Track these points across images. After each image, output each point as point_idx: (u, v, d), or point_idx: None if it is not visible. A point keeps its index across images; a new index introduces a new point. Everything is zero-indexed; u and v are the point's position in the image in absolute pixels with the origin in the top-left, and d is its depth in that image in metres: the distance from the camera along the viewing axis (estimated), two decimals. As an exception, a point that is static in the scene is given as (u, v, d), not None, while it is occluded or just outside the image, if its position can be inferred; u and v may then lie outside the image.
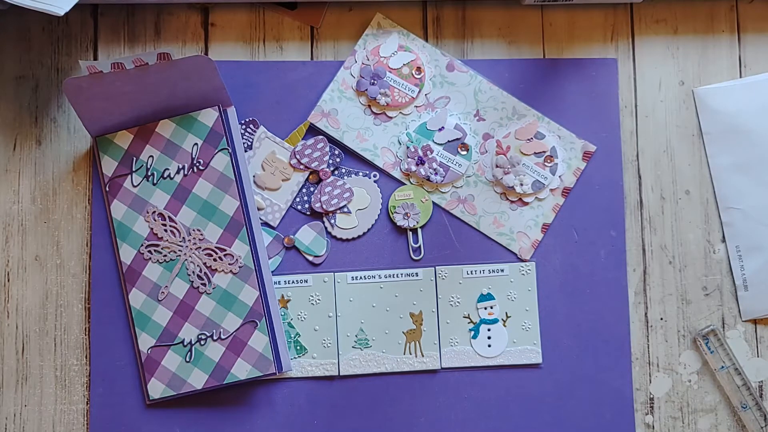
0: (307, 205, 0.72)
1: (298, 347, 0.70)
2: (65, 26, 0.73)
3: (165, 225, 0.69)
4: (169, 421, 0.69)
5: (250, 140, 0.71)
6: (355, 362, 0.70)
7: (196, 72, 0.67)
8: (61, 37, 0.73)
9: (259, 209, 0.71)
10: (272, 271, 0.71)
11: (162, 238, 0.69)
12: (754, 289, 0.72)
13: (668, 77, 0.74)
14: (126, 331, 0.70)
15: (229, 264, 0.69)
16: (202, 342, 0.69)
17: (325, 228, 0.71)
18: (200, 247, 0.69)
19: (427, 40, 0.73)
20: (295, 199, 0.72)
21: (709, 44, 0.74)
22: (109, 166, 0.70)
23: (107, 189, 0.70)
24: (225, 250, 0.69)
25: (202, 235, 0.69)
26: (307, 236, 0.71)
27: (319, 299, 0.71)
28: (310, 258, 0.71)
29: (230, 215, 0.69)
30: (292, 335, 0.70)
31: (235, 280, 0.69)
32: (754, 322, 0.72)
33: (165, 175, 0.70)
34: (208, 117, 0.69)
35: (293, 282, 0.71)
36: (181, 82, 0.68)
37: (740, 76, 0.74)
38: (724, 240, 0.73)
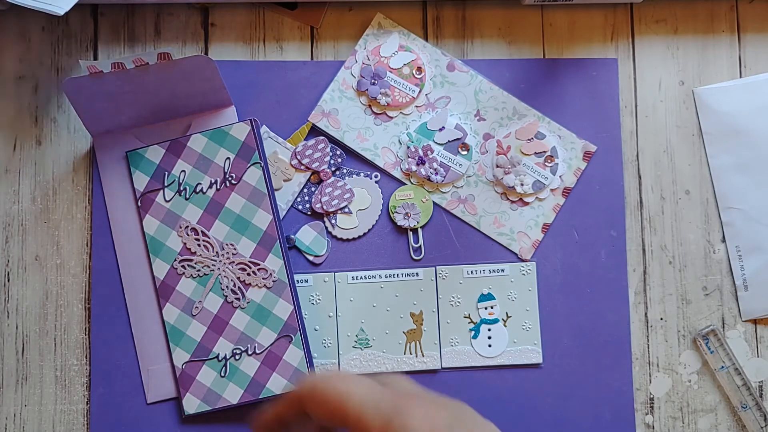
0: (308, 205, 0.72)
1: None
2: (65, 26, 0.73)
3: (198, 240, 0.69)
4: (169, 421, 0.69)
5: (251, 140, 0.71)
6: (356, 362, 0.70)
7: (196, 72, 0.67)
8: (61, 37, 0.73)
9: (259, 209, 0.71)
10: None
11: (195, 252, 0.69)
12: (754, 289, 0.72)
13: (668, 77, 0.74)
14: (126, 331, 0.70)
15: (263, 278, 0.68)
16: (237, 357, 0.68)
17: (326, 228, 0.71)
18: (234, 262, 0.69)
19: (427, 40, 0.73)
20: (296, 199, 0.71)
21: (709, 44, 0.74)
22: (140, 181, 0.70)
23: (139, 204, 0.70)
24: (259, 265, 0.68)
25: (235, 249, 0.69)
26: (307, 236, 0.71)
27: (319, 299, 0.71)
28: (311, 258, 0.71)
29: (263, 229, 0.69)
30: (293, 335, 0.70)
31: (269, 295, 0.68)
32: (754, 322, 0.72)
33: (197, 190, 0.69)
34: (240, 131, 0.69)
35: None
36: (181, 82, 0.68)
37: (740, 76, 0.74)
38: (724, 240, 0.73)
